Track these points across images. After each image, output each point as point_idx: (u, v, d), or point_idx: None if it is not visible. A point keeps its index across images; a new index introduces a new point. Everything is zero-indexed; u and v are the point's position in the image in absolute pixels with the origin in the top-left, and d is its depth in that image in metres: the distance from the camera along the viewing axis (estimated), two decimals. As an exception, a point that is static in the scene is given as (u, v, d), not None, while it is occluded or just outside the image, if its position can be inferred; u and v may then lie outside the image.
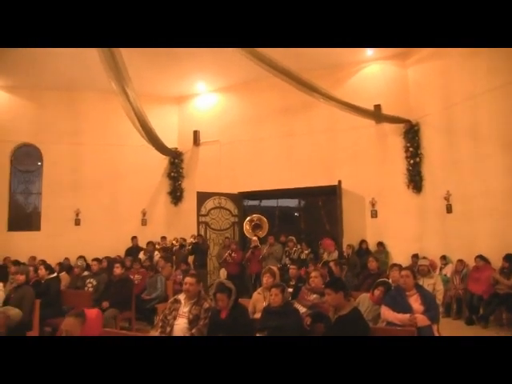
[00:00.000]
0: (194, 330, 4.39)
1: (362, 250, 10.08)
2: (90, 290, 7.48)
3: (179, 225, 12.24)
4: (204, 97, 13.02)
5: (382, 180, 10.53)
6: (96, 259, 8.05)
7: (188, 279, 4.68)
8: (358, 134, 10.88)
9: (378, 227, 10.51)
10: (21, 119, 12.14)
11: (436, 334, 4.68)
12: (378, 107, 10.45)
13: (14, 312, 3.12)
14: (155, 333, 4.75)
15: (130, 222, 12.42)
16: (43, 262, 7.57)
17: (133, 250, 11.16)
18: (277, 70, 8.30)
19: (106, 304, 6.89)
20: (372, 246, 10.39)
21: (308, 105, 11.00)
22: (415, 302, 4.69)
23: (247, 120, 12.20)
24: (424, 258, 7.43)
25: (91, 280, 7.62)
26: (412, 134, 10.26)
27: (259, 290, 5.49)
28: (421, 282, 6.52)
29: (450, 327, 7.12)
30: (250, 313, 5.28)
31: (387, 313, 4.68)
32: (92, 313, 3.81)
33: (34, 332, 5.99)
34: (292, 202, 14.83)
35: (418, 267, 6.80)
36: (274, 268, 5.63)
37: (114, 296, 7.07)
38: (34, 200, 12.58)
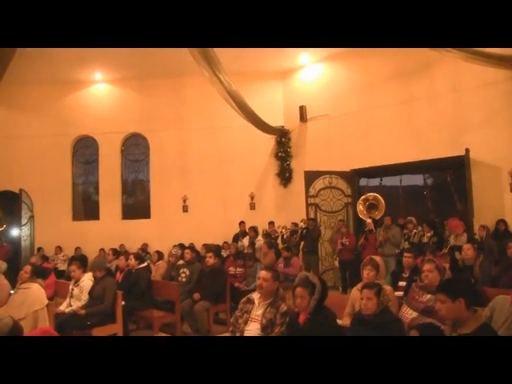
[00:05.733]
0: (265, 340, 3.49)
1: (500, 232, 8.33)
2: (184, 280, 6.97)
3: (289, 207, 11.42)
4: (309, 69, 11.93)
5: (524, 145, 8.59)
6: (189, 247, 7.55)
7: (262, 273, 3.79)
8: (490, 91, 8.98)
9: (520, 204, 8.64)
10: (129, 110, 12.38)
11: None
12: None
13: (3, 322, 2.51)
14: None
15: (239, 206, 11.90)
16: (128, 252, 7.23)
17: (240, 236, 10.59)
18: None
19: (197, 296, 6.40)
20: (514, 228, 8.59)
21: (427, 64, 9.51)
22: None
23: (357, 89, 10.87)
24: None
25: (184, 270, 7.09)
26: None
27: (359, 285, 4.36)
28: None
29: None
30: (347, 314, 4.25)
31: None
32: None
33: (118, 325, 5.63)
34: (417, 180, 13.24)
35: None
36: (377, 258, 4.46)
37: (206, 287, 6.49)
38: (144, 188, 12.64)
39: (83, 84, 12.46)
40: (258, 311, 3.71)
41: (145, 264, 6.82)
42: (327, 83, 11.52)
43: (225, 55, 8.09)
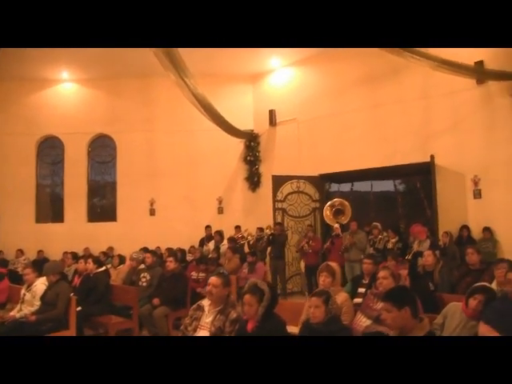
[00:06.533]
0: (215, 348, 3.38)
1: (463, 238, 8.41)
2: (144, 284, 6.81)
3: (257, 212, 11.29)
4: (279, 72, 11.89)
5: (488, 153, 8.67)
6: (151, 251, 7.39)
7: (212, 279, 3.68)
8: (456, 98, 9.11)
9: (482, 210, 8.72)
10: (96, 110, 12.14)
11: None
12: (479, 63, 8.63)
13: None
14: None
15: (206, 210, 11.78)
16: (91, 255, 7.04)
17: (205, 240, 10.46)
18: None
19: (156, 301, 6.23)
20: (476, 234, 8.67)
21: (396, 69, 9.55)
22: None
23: (327, 93, 10.88)
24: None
25: (145, 274, 6.93)
26: (527, 92, 8.34)
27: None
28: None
29: None
30: (301, 321, 4.15)
31: (489, 335, 3.27)
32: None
33: (71, 331, 5.43)
34: (387, 186, 13.26)
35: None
36: (334, 265, 4.40)
37: (166, 292, 6.33)
38: (111, 191, 12.39)
39: (49, 82, 12.15)
40: (207, 318, 3.61)
41: (103, 268, 6.64)
42: (297, 87, 11.51)
43: (194, 57, 8.04)
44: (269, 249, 9.42)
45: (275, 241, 9.22)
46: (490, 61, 8.58)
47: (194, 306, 3.81)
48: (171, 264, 6.64)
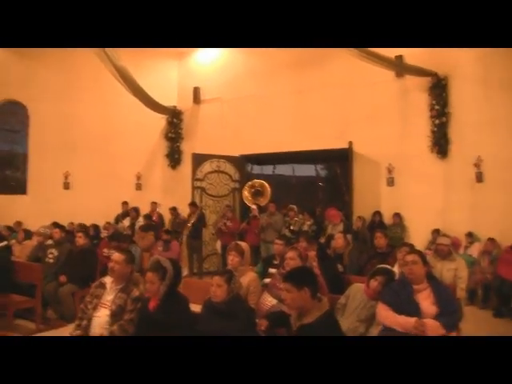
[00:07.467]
0: (114, 327, 3.25)
1: (375, 223, 8.76)
2: (51, 261, 6.46)
3: (177, 190, 11.09)
4: (206, 50, 11.63)
5: (402, 143, 9.05)
6: (59, 226, 7.03)
7: (115, 256, 3.54)
8: (376, 89, 9.39)
9: (394, 197, 9.12)
10: (7, 74, 11.09)
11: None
12: (399, 57, 8.93)
13: None
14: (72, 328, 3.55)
15: (124, 186, 11.37)
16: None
17: (121, 217, 10.15)
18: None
19: (63, 278, 5.92)
20: (388, 219, 9.06)
21: (323, 56, 9.61)
22: (425, 300, 3.37)
23: (253, 75, 10.83)
24: (444, 235, 6.10)
25: (52, 250, 6.57)
26: (439, 89, 8.73)
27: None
28: (439, 267, 5.27)
29: (474, 319, 5.88)
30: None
31: (385, 314, 3.38)
32: None
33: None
34: (309, 171, 13.50)
35: (436, 247, 5.52)
36: (243, 244, 4.40)
37: (74, 269, 6.04)
38: (22, 162, 11.62)
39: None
40: (108, 296, 3.46)
41: (4, 243, 6.23)
42: (224, 66, 11.38)
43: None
44: (186, 227, 9.31)
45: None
46: (409, 56, 8.89)
47: (96, 282, 3.65)
48: (80, 240, 6.35)
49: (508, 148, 7.34)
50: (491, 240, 7.12)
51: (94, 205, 10.71)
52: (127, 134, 11.38)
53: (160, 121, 11.57)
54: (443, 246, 5.37)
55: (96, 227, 9.48)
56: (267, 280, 4.71)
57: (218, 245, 9.46)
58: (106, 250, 7.35)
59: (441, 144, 8.66)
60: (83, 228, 7.66)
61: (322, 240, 7.86)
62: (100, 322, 3.33)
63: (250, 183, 9.45)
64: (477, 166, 7.94)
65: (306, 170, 13.09)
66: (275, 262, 5.10)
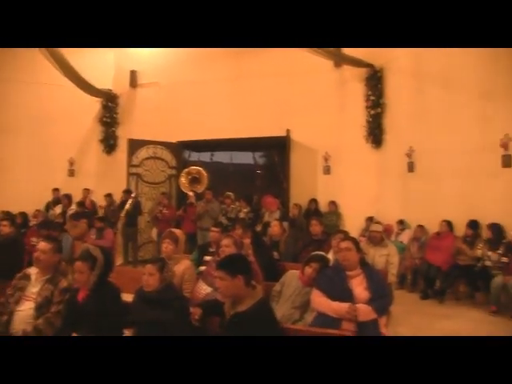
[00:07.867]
0: (40, 321, 3.08)
1: (311, 211, 8.89)
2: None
3: (112, 176, 10.65)
4: (143, 32, 11.25)
5: (338, 132, 9.24)
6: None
7: (41, 244, 3.35)
8: (315, 78, 9.52)
9: (330, 185, 9.33)
10: None
11: (383, 331, 3.35)
12: (338, 48, 9.03)
13: None
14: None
15: (56, 171, 10.86)
16: None
17: (52, 204, 9.71)
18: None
19: (-15, 270, 5.55)
20: (324, 207, 9.22)
21: (261, 44, 9.51)
22: (358, 285, 3.44)
23: (192, 60, 10.57)
24: (377, 222, 6.27)
25: (-25, 239, 6.17)
26: (375, 80, 8.93)
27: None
28: (372, 253, 5.42)
29: (403, 301, 6.17)
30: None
31: (319, 300, 3.43)
32: None
33: None
34: (247, 158, 13.49)
35: (370, 234, 5.68)
36: (177, 232, 4.32)
37: (-2, 260, 5.71)
38: None
39: None
40: (33, 288, 3.28)
41: None
42: (162, 50, 10.94)
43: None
44: (121, 215, 9.05)
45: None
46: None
47: (20, 274, 3.43)
48: (5, 228, 5.97)
49: (437, 139, 7.62)
50: (420, 227, 7.39)
51: (23, 191, 10.16)
52: (60, 117, 10.85)
53: (94, 104, 11.09)
54: (376, 232, 5.54)
55: (24, 215, 9.02)
56: (202, 268, 4.66)
57: (154, 232, 9.27)
58: (34, 239, 7.01)
59: (375, 134, 8.87)
60: (8, 215, 7.21)
61: (259, 227, 7.90)
62: (23, 317, 3.14)
63: (186, 170, 9.29)
64: (408, 155, 8.18)
65: (244, 158, 13.06)
66: (211, 250, 5.06)
